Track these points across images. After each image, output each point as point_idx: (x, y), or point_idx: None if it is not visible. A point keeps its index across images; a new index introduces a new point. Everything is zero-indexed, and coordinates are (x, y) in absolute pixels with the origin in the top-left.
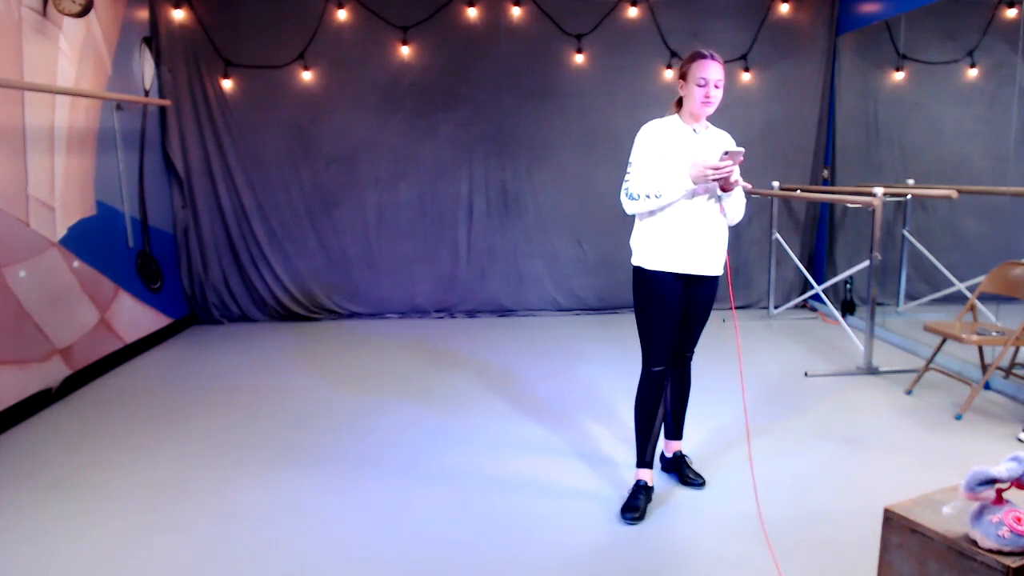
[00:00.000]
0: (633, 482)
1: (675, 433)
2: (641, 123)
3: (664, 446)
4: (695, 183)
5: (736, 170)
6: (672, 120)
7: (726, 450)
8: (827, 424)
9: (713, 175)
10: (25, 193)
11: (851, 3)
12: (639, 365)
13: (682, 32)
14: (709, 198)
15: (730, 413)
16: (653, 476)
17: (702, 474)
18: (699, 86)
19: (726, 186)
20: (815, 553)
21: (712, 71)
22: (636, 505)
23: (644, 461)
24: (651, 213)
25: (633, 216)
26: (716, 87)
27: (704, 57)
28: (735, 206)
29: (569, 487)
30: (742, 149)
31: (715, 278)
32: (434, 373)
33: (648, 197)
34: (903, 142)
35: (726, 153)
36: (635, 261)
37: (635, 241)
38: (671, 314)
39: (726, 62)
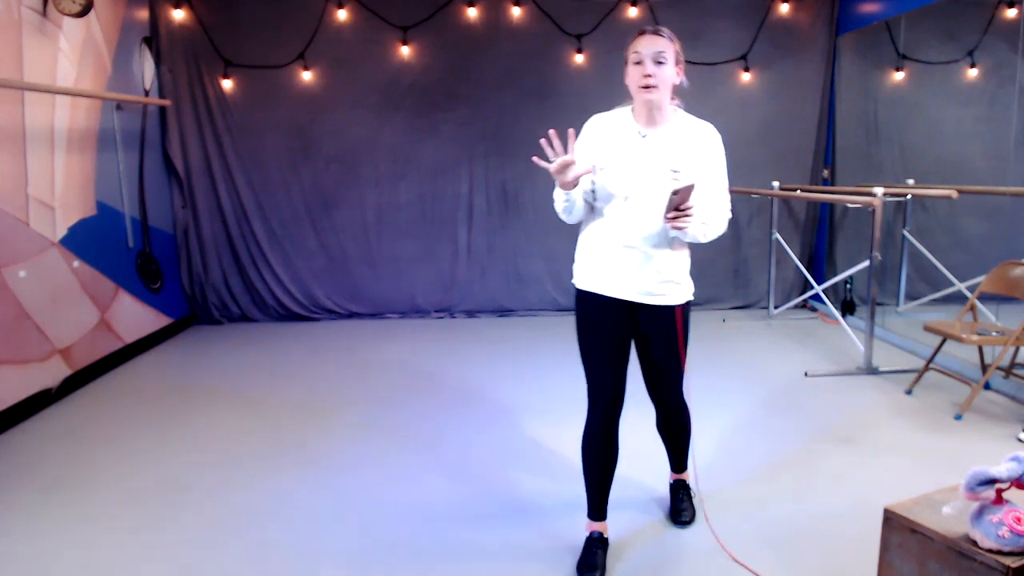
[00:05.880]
0: (586, 535)
1: (671, 464)
2: None
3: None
4: (563, 189)
5: (691, 215)
6: (623, 114)
7: (722, 452)
8: (827, 424)
9: (672, 225)
10: (25, 193)
11: (851, 3)
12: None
13: (682, 32)
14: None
15: (731, 415)
16: (607, 526)
17: (697, 509)
18: (635, 63)
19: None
20: (815, 553)
21: (647, 43)
22: (593, 563)
23: (592, 512)
24: (589, 222)
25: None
26: (659, 62)
27: (643, 33)
28: (700, 233)
29: (567, 485)
30: (692, 183)
31: (668, 309)
32: (433, 373)
33: (555, 197)
34: (903, 142)
35: (675, 193)
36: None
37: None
38: (605, 343)
39: (726, 62)
